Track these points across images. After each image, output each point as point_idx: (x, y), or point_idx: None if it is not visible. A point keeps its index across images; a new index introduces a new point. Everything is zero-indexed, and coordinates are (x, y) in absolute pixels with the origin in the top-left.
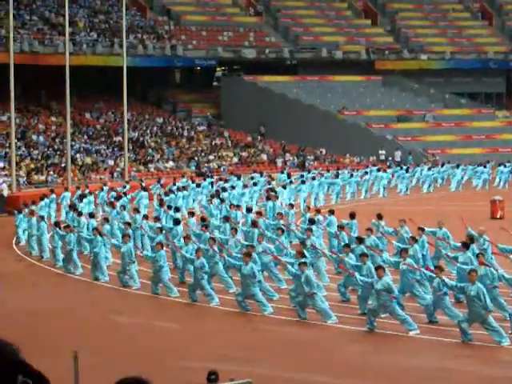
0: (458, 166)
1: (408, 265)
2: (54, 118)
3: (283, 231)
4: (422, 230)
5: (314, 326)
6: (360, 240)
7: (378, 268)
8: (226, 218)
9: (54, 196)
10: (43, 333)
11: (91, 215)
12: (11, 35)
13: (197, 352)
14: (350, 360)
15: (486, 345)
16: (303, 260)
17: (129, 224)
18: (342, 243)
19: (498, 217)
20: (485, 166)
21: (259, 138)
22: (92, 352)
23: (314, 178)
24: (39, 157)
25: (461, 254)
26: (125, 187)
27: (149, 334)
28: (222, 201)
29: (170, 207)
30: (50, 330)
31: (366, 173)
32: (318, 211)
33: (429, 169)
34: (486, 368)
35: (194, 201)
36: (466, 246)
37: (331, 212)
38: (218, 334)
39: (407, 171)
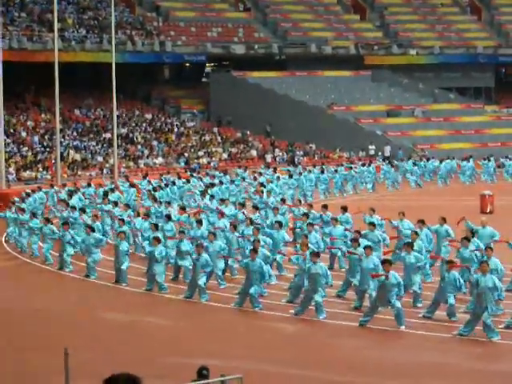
0: (441, 162)
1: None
2: (43, 115)
3: (281, 225)
4: (423, 222)
5: (307, 321)
6: (359, 234)
7: (366, 247)
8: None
9: (42, 193)
10: (33, 330)
11: (83, 210)
12: (0, 32)
13: (188, 348)
14: (344, 355)
15: (480, 339)
16: (315, 251)
17: (123, 220)
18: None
19: (488, 211)
20: (468, 161)
21: (270, 139)
22: (82, 349)
23: (300, 174)
24: (28, 153)
25: (463, 248)
26: (112, 183)
27: (140, 330)
28: (212, 197)
29: (161, 202)
30: (39, 327)
31: (351, 168)
32: (310, 206)
33: (413, 164)
34: (479, 363)
35: (182, 197)
36: (467, 240)
37: (344, 209)
38: (210, 330)
39: (392, 166)
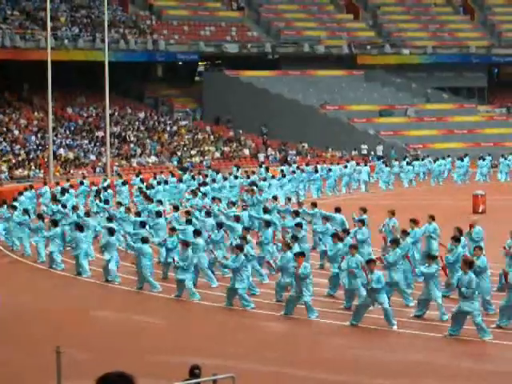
0: (435, 161)
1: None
2: (35, 113)
3: (269, 225)
4: (414, 221)
5: (298, 320)
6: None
7: (351, 247)
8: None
9: (33, 191)
10: (23, 329)
11: (74, 208)
12: None
13: (181, 347)
14: (335, 354)
15: (471, 339)
16: (299, 251)
17: (111, 219)
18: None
19: (480, 211)
20: (462, 160)
21: (263, 138)
22: (74, 347)
23: (294, 172)
24: (21, 152)
25: (453, 247)
26: (105, 181)
27: (131, 329)
28: (204, 195)
29: (152, 200)
30: (32, 325)
31: (346, 166)
32: (300, 204)
33: (408, 163)
34: (470, 362)
35: (175, 194)
36: (457, 240)
37: (337, 210)
38: (201, 329)
39: (386, 165)
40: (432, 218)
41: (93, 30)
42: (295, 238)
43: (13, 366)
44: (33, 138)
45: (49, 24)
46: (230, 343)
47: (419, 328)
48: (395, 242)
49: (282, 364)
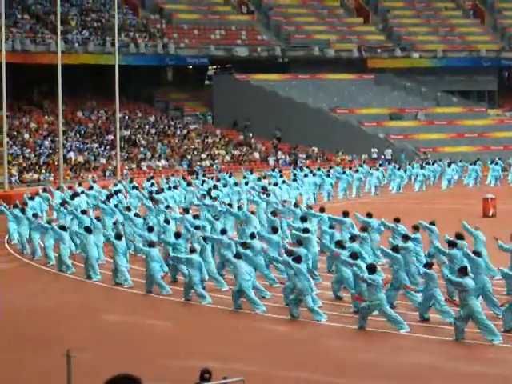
0: (449, 165)
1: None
2: (46, 117)
3: (276, 230)
4: (416, 227)
5: (306, 324)
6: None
7: (353, 254)
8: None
9: (46, 194)
10: (34, 332)
11: (83, 212)
12: (3, 34)
13: (190, 350)
14: (341, 358)
15: (477, 343)
16: (297, 254)
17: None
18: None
19: (490, 215)
20: (475, 164)
21: (277, 142)
22: (83, 351)
23: (306, 176)
24: (31, 155)
25: (448, 250)
26: (116, 185)
27: (141, 332)
28: (214, 199)
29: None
30: (41, 328)
31: (357, 171)
32: (309, 208)
33: (421, 167)
34: (475, 365)
35: (185, 198)
36: (453, 244)
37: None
38: (211, 332)
39: (399, 169)
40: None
41: (103, 33)
42: (299, 243)
43: (21, 368)
44: (43, 141)
45: (59, 28)
46: (239, 346)
47: (425, 331)
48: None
49: (291, 367)
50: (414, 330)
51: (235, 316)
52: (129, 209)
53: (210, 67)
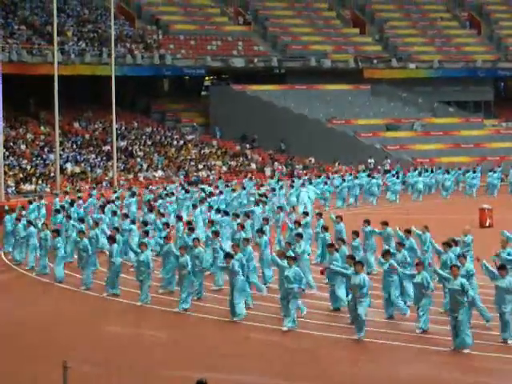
0: (448, 172)
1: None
2: (42, 128)
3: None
4: (409, 232)
5: (302, 334)
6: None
7: (357, 263)
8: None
9: (43, 201)
10: (30, 343)
11: (81, 220)
12: None
13: (185, 361)
14: (338, 368)
15: (475, 353)
16: (292, 255)
17: (117, 229)
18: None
19: (487, 225)
20: (474, 171)
21: (282, 154)
22: (80, 362)
23: (303, 185)
24: (28, 166)
25: (443, 252)
26: (115, 192)
27: (136, 343)
28: (211, 207)
29: (159, 213)
30: (36, 340)
31: (356, 178)
32: (305, 214)
33: (419, 174)
34: (473, 376)
35: (182, 206)
36: (448, 245)
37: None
38: (206, 342)
39: (398, 177)
40: (426, 228)
41: (100, 44)
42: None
43: (18, 380)
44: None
45: (56, 39)
46: (236, 356)
47: (424, 342)
48: (388, 253)
49: (289, 378)
50: (411, 340)
51: (231, 327)
52: (126, 216)
53: (206, 78)
